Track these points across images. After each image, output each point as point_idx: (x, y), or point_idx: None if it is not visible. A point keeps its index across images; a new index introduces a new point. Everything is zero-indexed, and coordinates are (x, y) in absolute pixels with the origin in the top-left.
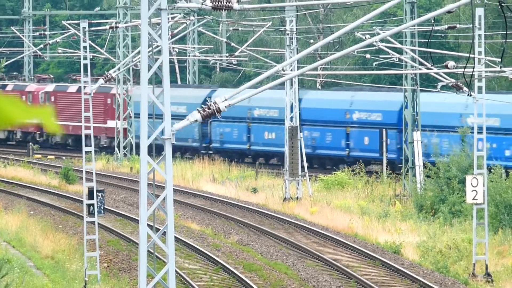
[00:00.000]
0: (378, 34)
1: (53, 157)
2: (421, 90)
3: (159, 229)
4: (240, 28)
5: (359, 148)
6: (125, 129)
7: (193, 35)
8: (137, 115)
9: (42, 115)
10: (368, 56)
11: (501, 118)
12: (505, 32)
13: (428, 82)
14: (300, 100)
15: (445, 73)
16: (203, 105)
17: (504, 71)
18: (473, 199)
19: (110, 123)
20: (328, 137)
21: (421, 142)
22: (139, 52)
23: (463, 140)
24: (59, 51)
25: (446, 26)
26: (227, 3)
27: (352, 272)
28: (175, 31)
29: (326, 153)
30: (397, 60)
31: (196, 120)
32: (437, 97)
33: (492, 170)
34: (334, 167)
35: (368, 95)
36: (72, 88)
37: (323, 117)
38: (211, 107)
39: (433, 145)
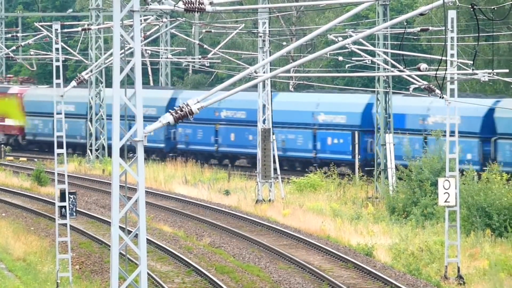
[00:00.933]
0: (351, 36)
1: (25, 159)
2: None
3: (131, 231)
4: (212, 30)
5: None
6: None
7: (166, 37)
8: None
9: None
10: (340, 58)
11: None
12: (477, 35)
13: (400, 85)
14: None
15: (417, 75)
16: (171, 109)
17: (476, 74)
18: (445, 201)
19: (8, 121)
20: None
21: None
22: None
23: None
24: (32, 53)
25: (418, 29)
26: (200, 5)
27: (325, 274)
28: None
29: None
30: (370, 62)
31: (169, 123)
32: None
33: (464, 173)
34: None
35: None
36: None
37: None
38: (183, 109)
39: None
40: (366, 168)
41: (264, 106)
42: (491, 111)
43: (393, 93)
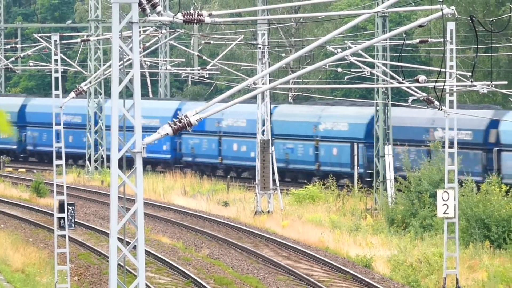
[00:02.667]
0: (350, 48)
1: (24, 170)
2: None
3: (130, 243)
4: (211, 42)
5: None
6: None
7: (165, 48)
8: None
9: None
10: (339, 70)
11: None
12: (476, 47)
13: (399, 96)
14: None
15: (416, 87)
16: (174, 119)
17: (475, 86)
18: (444, 213)
19: None
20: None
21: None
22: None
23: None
24: (31, 64)
25: (417, 40)
26: (199, 16)
27: (323, 286)
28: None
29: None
30: (369, 74)
31: (167, 134)
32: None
33: (463, 185)
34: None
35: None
36: None
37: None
38: (182, 120)
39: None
40: (367, 179)
41: (263, 117)
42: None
43: (393, 105)
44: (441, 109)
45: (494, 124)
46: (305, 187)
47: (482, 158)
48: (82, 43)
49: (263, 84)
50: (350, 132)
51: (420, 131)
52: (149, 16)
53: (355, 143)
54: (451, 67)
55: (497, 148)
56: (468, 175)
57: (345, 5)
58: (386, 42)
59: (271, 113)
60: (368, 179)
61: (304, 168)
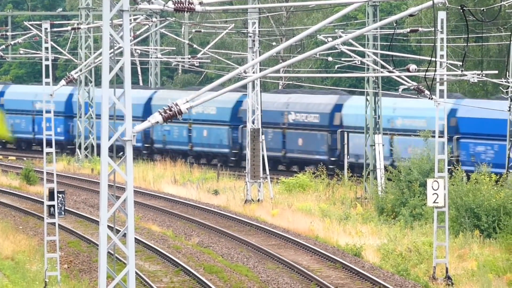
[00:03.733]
0: (341, 37)
1: (14, 158)
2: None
3: (120, 231)
4: (202, 30)
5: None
6: None
7: (155, 36)
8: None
9: None
10: (330, 59)
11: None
12: (467, 36)
13: (389, 85)
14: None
15: (407, 76)
16: (164, 107)
17: (466, 75)
18: (434, 202)
19: None
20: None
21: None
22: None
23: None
24: (21, 52)
25: (408, 29)
26: (189, 5)
27: (313, 274)
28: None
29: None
30: (359, 63)
31: (157, 122)
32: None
33: (453, 174)
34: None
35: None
36: None
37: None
38: (172, 108)
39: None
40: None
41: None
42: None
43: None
44: (431, 98)
45: (338, 108)
46: (296, 176)
47: (328, 139)
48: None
49: (253, 73)
50: (218, 116)
51: (277, 114)
52: (140, 4)
53: (345, 132)
54: (442, 56)
55: (340, 130)
56: (315, 155)
57: None
58: (377, 32)
59: (150, 98)
60: (233, 158)
61: (179, 148)
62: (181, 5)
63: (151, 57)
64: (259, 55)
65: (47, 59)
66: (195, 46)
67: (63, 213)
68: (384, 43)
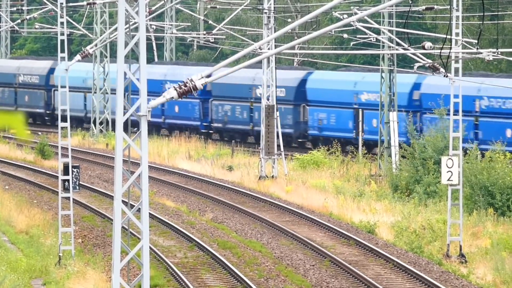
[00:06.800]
0: (356, 14)
1: (29, 132)
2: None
3: (134, 206)
4: (217, 6)
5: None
6: None
7: (171, 12)
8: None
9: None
10: (345, 35)
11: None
12: (482, 14)
13: (404, 63)
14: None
15: (422, 53)
16: (179, 83)
17: (481, 53)
18: (448, 180)
19: None
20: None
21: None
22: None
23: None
24: (36, 26)
25: (423, 7)
26: None
27: (326, 251)
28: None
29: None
30: (374, 40)
31: (172, 97)
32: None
33: (467, 152)
34: None
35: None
36: None
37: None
38: (187, 84)
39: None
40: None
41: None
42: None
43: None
44: (447, 76)
45: (303, 83)
46: (310, 153)
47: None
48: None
49: (268, 49)
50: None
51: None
52: None
53: (359, 109)
54: (457, 34)
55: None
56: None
57: None
58: (392, 9)
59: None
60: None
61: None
62: None
63: (166, 33)
64: (274, 32)
65: (62, 34)
66: (210, 22)
67: (77, 187)
68: (400, 21)
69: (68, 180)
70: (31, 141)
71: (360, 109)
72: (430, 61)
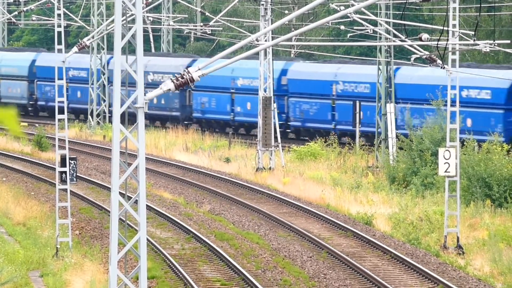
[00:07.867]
0: (353, 5)
1: (26, 124)
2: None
3: (131, 197)
4: None
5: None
6: None
7: (168, 4)
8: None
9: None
10: (342, 27)
11: None
12: (479, 6)
13: (401, 54)
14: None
15: (419, 45)
16: (176, 75)
17: (478, 44)
18: (446, 171)
19: None
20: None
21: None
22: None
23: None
24: (33, 18)
25: None
26: None
27: (324, 242)
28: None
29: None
30: (371, 32)
31: (169, 89)
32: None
33: (465, 143)
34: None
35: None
36: None
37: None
38: (184, 76)
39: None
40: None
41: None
42: None
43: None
44: (444, 68)
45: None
46: (307, 144)
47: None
48: None
49: (265, 41)
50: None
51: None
52: None
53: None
54: (454, 25)
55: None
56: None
57: None
58: (389, 1)
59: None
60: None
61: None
62: None
63: (163, 25)
64: (271, 23)
65: (59, 26)
66: (207, 13)
67: (75, 179)
68: (397, 12)
69: (65, 172)
70: (26, 133)
71: (358, 101)
72: (427, 52)
